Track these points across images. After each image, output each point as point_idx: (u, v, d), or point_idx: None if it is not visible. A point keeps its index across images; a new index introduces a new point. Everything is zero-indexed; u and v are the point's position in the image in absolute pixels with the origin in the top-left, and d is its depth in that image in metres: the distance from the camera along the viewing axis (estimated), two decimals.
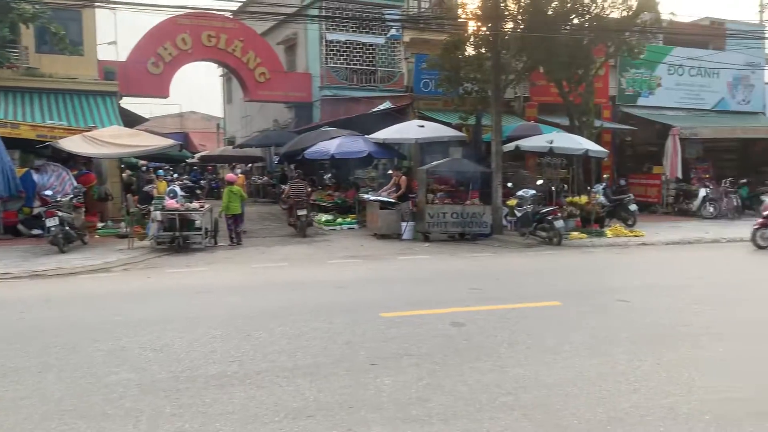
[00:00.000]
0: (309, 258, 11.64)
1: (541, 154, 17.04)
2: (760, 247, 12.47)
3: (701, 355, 5.53)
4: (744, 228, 15.97)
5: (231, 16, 24.06)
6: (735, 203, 18.57)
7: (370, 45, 24.27)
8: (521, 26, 16.26)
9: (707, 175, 21.01)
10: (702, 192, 18.87)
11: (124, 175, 18.78)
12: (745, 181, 20.03)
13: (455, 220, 14.16)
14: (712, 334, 6.14)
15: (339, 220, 16.35)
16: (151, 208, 12.91)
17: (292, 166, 22.96)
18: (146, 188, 15.88)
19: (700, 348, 5.72)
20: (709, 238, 14.25)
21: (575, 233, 14.13)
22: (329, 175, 20.68)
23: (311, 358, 5.43)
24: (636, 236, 14.42)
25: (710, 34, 24.61)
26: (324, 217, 16.62)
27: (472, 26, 17.57)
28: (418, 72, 19.34)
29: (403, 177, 15.23)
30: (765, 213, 12.72)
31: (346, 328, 6.38)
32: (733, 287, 8.86)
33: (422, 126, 17.26)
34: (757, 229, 12.67)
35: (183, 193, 14.63)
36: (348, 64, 24.05)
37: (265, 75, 23.47)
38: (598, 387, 4.71)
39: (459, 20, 18.61)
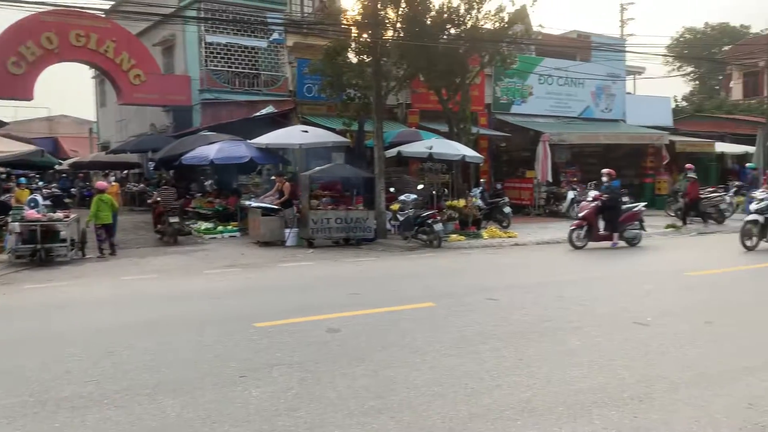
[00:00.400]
0: (184, 268, 11.20)
1: (422, 159, 17.47)
2: (576, 248, 12.95)
3: (560, 348, 5.84)
4: None
5: (103, 15, 22.73)
6: None
7: (253, 48, 23.77)
8: (401, 34, 16.62)
9: (575, 179, 22.48)
10: (570, 194, 20.14)
11: None
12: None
13: (339, 226, 14.19)
14: (571, 328, 6.53)
15: (220, 228, 15.87)
16: (9, 219, 11.90)
17: (171, 172, 22.06)
18: (2, 198, 14.62)
19: (559, 342, 6.05)
20: None
21: (454, 236, 14.61)
22: (210, 181, 20.04)
23: (177, 373, 5.20)
24: (510, 237, 15.14)
25: (577, 47, 26.39)
26: (204, 225, 16.07)
27: (354, 32, 17.74)
28: (300, 77, 19.26)
29: (287, 183, 15.06)
30: (580, 214, 13.32)
31: (217, 340, 6.18)
32: (594, 283, 9.47)
33: (306, 131, 17.19)
34: (573, 230, 13.20)
35: (46, 203, 13.63)
36: (230, 67, 23.41)
37: (140, 77, 22.33)
38: (463, 385, 4.85)
39: (341, 26, 18.72)
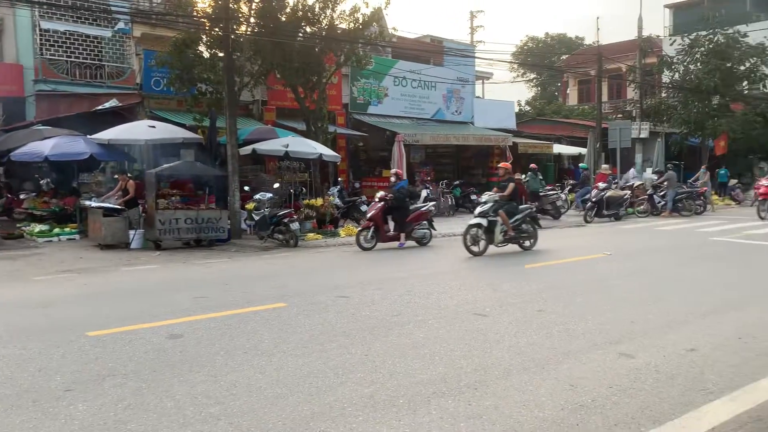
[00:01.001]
0: (11, 275, 10.17)
1: (279, 157, 17.25)
2: (364, 249, 12.76)
3: (405, 341, 5.99)
4: (456, 225, 18.03)
5: None
6: (450, 202, 20.89)
7: (96, 38, 22.11)
8: (255, 30, 16.27)
9: (429, 178, 23.36)
10: (424, 192, 20.82)
11: None
12: (458, 182, 22.68)
13: (190, 226, 13.61)
14: (417, 322, 6.73)
15: (56, 230, 14.59)
16: None
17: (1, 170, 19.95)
18: None
19: (405, 335, 6.21)
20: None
21: (311, 234, 14.57)
22: (46, 180, 18.38)
23: None
24: None
25: (430, 51, 27.44)
26: (37, 227, 14.67)
27: (206, 25, 17.08)
28: (147, 69, 18.25)
29: (131, 181, 14.17)
30: (368, 215, 13.20)
31: (42, 352, 5.65)
32: (441, 277, 9.85)
33: (153, 126, 16.34)
34: (360, 231, 13.12)
35: None
36: (69, 56, 21.63)
37: None
38: (308, 384, 4.81)
39: (192, 18, 17.97)
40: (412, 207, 13.84)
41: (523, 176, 20.95)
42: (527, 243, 12.61)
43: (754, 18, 33.88)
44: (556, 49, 53.33)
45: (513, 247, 12.58)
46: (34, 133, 16.50)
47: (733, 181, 27.98)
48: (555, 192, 20.59)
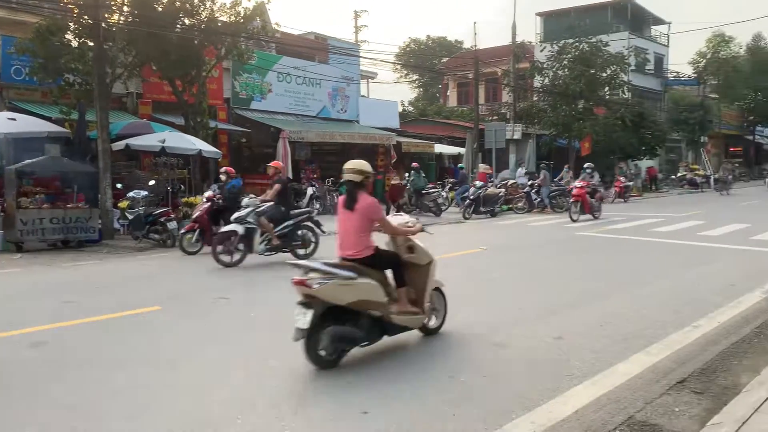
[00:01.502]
0: None
1: (156, 153, 16.46)
2: (189, 253, 11.74)
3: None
4: None
5: None
6: (336, 200, 20.91)
7: None
8: (129, 19, 15.42)
9: (315, 175, 23.24)
10: (309, 190, 20.74)
11: None
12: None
13: (56, 226, 12.69)
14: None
15: None
16: None
17: None
18: None
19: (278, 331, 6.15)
20: None
21: (190, 234, 14.00)
22: None
23: None
24: None
25: (315, 48, 27.31)
26: None
27: (74, 12, 15.94)
28: (6, 57, 16.70)
29: None
30: (193, 216, 12.10)
31: None
32: None
33: (14, 119, 15.05)
34: (184, 233, 11.93)
35: None
36: None
37: None
38: (169, 390, 4.65)
39: (58, 3, 16.69)
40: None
41: (407, 175, 21.45)
42: (302, 251, 11.09)
43: (614, 29, 36.82)
44: (437, 51, 55.00)
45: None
46: None
47: None
48: (437, 190, 21.23)
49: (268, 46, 24.19)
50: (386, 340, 5.47)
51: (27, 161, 13.19)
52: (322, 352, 4.94)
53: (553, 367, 5.18)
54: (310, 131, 22.57)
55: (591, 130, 30.42)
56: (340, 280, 5.04)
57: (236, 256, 10.54)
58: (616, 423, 4.11)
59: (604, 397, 4.53)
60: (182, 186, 17.03)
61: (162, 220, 13.01)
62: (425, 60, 52.40)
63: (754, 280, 8.79)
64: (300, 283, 4.94)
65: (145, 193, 13.77)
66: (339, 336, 4.95)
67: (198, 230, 11.86)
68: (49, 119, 15.97)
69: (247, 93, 22.84)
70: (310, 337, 4.88)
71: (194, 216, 12.00)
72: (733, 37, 44.26)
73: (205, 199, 12.35)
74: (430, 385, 4.77)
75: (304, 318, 4.85)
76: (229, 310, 7.25)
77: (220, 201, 12.18)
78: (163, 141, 14.81)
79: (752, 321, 6.60)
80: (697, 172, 37.73)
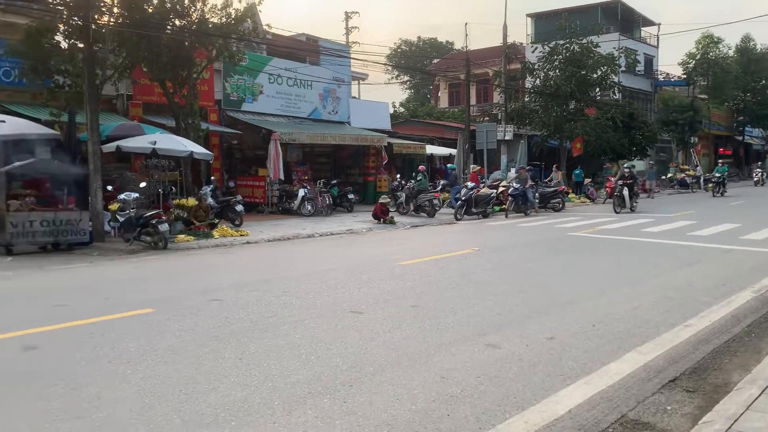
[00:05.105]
0: None
1: (147, 155, 16.39)
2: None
3: (281, 343, 5.92)
4: (334, 223, 18.17)
5: None
6: (328, 201, 20.92)
7: None
8: (119, 20, 15.35)
9: (306, 177, 23.25)
10: (301, 192, 20.72)
11: None
12: (335, 182, 22.77)
13: (46, 229, 12.64)
14: (292, 322, 6.67)
15: None
16: None
17: None
18: None
19: (281, 337, 6.14)
20: (305, 233, 15.69)
21: (182, 236, 14.01)
22: None
23: None
24: (242, 235, 15.03)
25: (306, 50, 27.30)
26: None
27: (64, 13, 15.85)
28: None
29: None
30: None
31: None
32: (319, 277, 9.84)
33: (3, 121, 14.91)
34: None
35: None
36: None
37: None
38: (177, 392, 4.63)
39: (48, 5, 16.59)
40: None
41: (417, 176, 21.30)
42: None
43: (604, 30, 37.00)
44: (428, 52, 55.05)
45: (388, 242, 12.77)
46: None
47: (587, 181, 30.35)
48: (433, 192, 21.20)
49: (259, 47, 24.15)
50: (379, 341, 5.46)
51: (17, 163, 13.10)
52: None
53: (545, 367, 5.20)
54: (301, 133, 22.55)
55: (582, 130, 30.57)
56: None
57: None
58: (609, 422, 4.13)
59: (597, 396, 4.55)
60: (173, 188, 16.97)
61: (153, 222, 12.95)
62: (416, 61, 52.46)
63: (745, 279, 8.86)
64: None
65: (136, 195, 13.72)
66: None
67: None
68: (38, 121, 15.87)
69: (238, 94, 22.79)
70: None
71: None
72: (722, 39, 44.65)
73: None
74: (422, 386, 4.77)
75: None
76: (220, 311, 7.21)
77: None
78: (154, 143, 14.76)
79: (743, 320, 6.65)
80: (687, 172, 38.01)
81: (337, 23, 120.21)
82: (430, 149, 29.29)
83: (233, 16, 16.96)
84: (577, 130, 30.64)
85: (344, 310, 7.25)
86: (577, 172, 31.16)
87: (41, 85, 15.44)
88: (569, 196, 26.63)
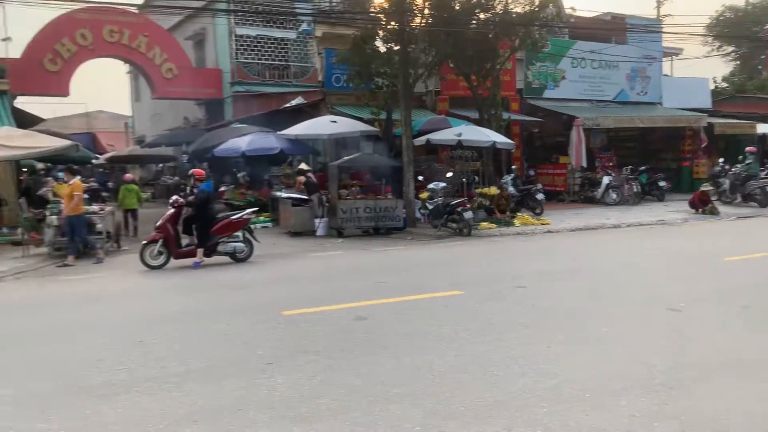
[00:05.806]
0: (213, 259, 11.27)
1: (452, 147, 17.33)
2: (152, 267, 10.20)
3: (589, 335, 5.74)
4: (643, 213, 16.91)
5: (135, 11, 23.13)
6: (635, 189, 19.54)
7: (282, 40, 23.90)
8: (429, 21, 16.47)
9: (610, 164, 22.03)
10: (605, 180, 19.74)
11: (23, 178, 17.67)
12: (643, 168, 21.10)
13: (368, 215, 14.20)
14: (600, 315, 6.41)
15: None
16: (47, 213, 12.22)
17: (205, 165, 22.36)
18: (40, 192, 14.98)
19: (589, 329, 5.94)
20: (609, 223, 14.90)
21: (484, 223, 14.46)
22: (243, 173, 20.27)
23: (205, 361, 5.27)
24: (542, 224, 14.93)
25: (611, 29, 25.78)
26: None
27: (382, 20, 17.64)
28: (328, 67, 19.23)
29: (300, 177, 15.18)
30: (159, 223, 10.38)
31: (245, 329, 6.25)
32: (626, 269, 9.28)
33: (335, 121, 17.19)
34: (146, 244, 10.35)
35: (84, 196, 13.92)
36: (260, 59, 23.60)
37: (172, 71, 22.69)
38: (489, 372, 4.80)
39: (369, 14, 18.63)
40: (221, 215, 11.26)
41: (746, 159, 18.76)
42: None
43: None
44: (759, 17, 47.43)
45: (709, 234, 11.39)
46: (231, 131, 18.24)
47: None
48: (763, 177, 18.29)
49: (562, 32, 23.55)
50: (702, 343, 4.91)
51: (345, 158, 15.00)
52: None
53: None
54: (606, 117, 21.41)
55: None
56: None
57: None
58: None
59: None
60: (476, 177, 17.62)
61: (459, 210, 13.62)
62: (744, 29, 45.65)
63: None
64: None
65: (444, 184, 14.59)
66: None
67: (161, 241, 10.29)
68: (361, 120, 17.92)
69: (540, 82, 22.58)
70: None
71: (158, 224, 10.39)
72: None
73: (171, 202, 11.00)
74: (761, 399, 4.15)
75: None
76: (525, 298, 7.27)
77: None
78: (460, 135, 15.49)
79: None
80: None
81: None
82: (762, 128, 25.22)
83: (536, 3, 16.85)
84: None
85: (658, 306, 6.70)
86: None
87: (364, 87, 17.38)
88: None
